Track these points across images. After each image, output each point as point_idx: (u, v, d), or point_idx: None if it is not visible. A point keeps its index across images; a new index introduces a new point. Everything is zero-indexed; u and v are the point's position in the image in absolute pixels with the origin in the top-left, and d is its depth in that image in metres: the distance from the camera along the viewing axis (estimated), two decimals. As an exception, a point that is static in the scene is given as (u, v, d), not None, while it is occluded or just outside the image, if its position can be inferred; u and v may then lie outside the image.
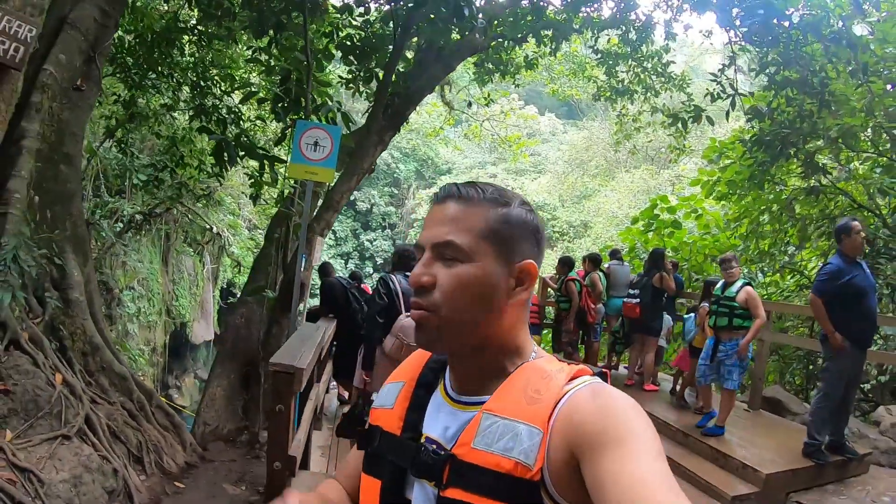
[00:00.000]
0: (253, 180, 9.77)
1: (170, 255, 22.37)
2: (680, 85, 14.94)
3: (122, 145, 10.64)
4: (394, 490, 1.28)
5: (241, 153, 7.54)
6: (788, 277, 14.10)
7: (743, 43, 10.49)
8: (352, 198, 37.30)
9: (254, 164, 9.47)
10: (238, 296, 30.11)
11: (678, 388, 9.06)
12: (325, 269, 8.18)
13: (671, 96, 15.98)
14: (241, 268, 22.25)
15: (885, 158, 12.52)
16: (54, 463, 4.91)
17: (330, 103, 8.03)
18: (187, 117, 11.01)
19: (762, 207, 13.93)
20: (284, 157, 8.15)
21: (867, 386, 10.64)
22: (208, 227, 18.83)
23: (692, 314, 8.83)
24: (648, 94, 15.08)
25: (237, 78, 10.53)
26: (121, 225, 16.47)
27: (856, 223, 6.68)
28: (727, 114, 10.55)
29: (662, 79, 14.80)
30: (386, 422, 1.35)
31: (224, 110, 9.84)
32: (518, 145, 22.92)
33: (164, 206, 17.58)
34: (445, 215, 1.25)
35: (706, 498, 6.19)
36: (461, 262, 1.22)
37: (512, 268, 1.26)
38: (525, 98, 31.16)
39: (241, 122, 9.80)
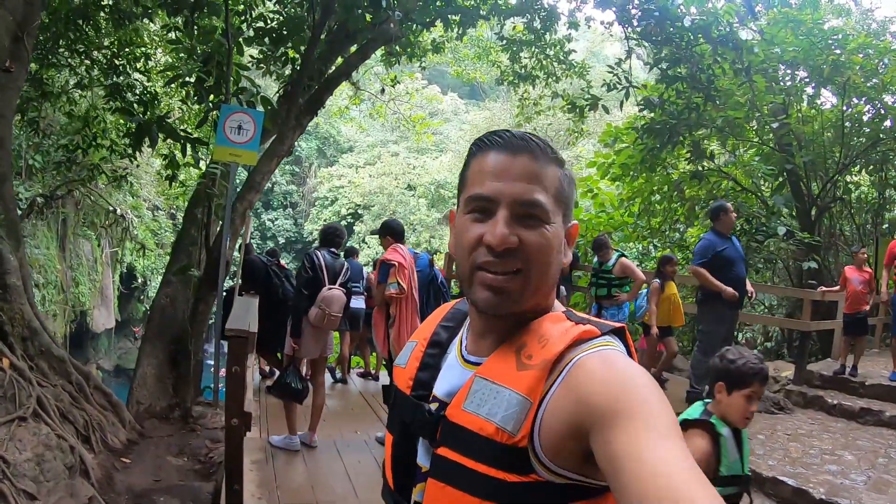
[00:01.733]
0: (167, 161, 9.76)
1: (67, 239, 21.54)
2: (580, 72, 15.49)
3: (33, 124, 10.25)
4: (403, 445, 1.31)
5: (163, 136, 7.52)
6: (677, 252, 14.72)
7: (639, 39, 11.08)
8: (244, 182, 36.74)
9: (169, 145, 9.51)
10: (153, 279, 29.75)
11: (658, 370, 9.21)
12: (245, 248, 8.33)
13: (571, 82, 16.67)
14: (145, 251, 21.56)
15: (767, 147, 13.77)
16: (15, 444, 4.99)
17: (250, 87, 8.14)
18: (101, 96, 10.79)
19: (653, 189, 14.88)
20: (205, 140, 8.21)
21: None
22: (111, 209, 18.29)
23: (642, 291, 9.13)
24: (550, 79, 15.50)
25: (153, 58, 10.40)
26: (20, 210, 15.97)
27: (728, 205, 7.74)
28: (621, 103, 11.47)
29: (563, 66, 15.22)
30: (400, 380, 1.36)
31: (139, 90, 9.75)
32: (421, 125, 23.16)
33: (66, 189, 17.07)
34: (525, 171, 1.19)
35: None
36: (543, 222, 1.19)
37: (566, 230, 1.26)
38: (428, 78, 31.39)
39: (157, 104, 9.72)
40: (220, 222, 7.53)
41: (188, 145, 7.49)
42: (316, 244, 7.60)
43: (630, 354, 1.16)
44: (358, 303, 9.44)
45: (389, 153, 36.14)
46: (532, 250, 1.17)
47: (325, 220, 32.85)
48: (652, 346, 8.84)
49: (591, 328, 1.15)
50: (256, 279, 7.98)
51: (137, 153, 10.37)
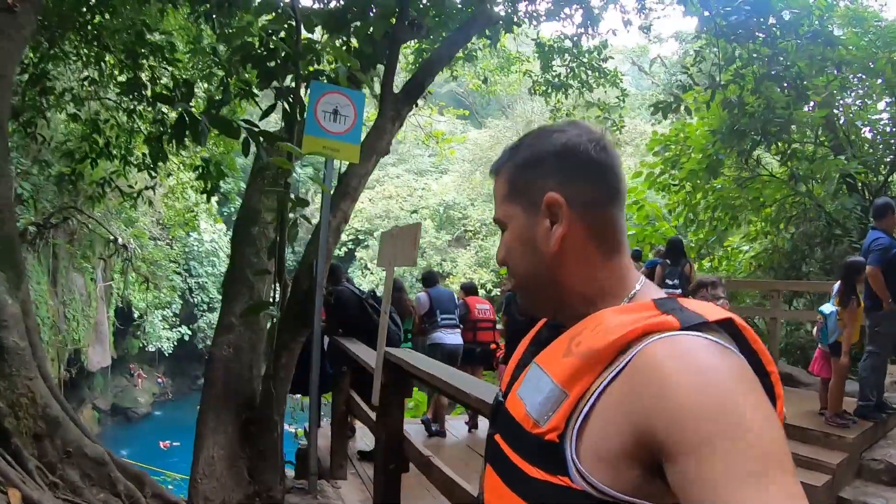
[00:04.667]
0: (201, 171, 7.53)
1: (58, 273, 19.22)
2: (613, 80, 14.11)
3: (29, 129, 7.83)
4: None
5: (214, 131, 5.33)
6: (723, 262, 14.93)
7: (706, 36, 10.36)
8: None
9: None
10: (151, 314, 27.27)
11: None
12: (334, 274, 6.14)
13: (606, 91, 15.11)
14: (149, 284, 19.10)
15: (825, 147, 12.69)
16: None
17: (336, 66, 6.02)
18: (116, 93, 8.48)
19: (698, 198, 13.83)
20: (279, 135, 5.98)
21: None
22: (112, 238, 15.82)
23: (829, 311, 6.87)
24: (583, 88, 14.09)
25: (178, 49, 8.07)
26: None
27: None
28: (707, 104, 10.29)
29: (597, 73, 13.87)
30: (503, 378, 1.22)
31: (167, 81, 7.48)
32: (445, 141, 21.17)
33: (61, 216, 14.69)
34: (494, 195, 1.18)
35: (812, 473, 5.80)
36: (504, 231, 1.14)
37: (540, 210, 1.07)
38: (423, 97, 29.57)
39: (194, 96, 7.47)
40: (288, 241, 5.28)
41: (253, 141, 5.25)
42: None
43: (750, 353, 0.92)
44: (454, 338, 7.36)
45: (389, 176, 33.90)
46: (506, 258, 1.15)
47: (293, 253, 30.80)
48: (841, 376, 6.67)
49: (670, 320, 0.89)
50: (349, 316, 5.79)
51: (163, 163, 8.12)
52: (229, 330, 5.46)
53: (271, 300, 5.17)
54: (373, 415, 5.23)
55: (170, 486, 14.45)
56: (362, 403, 5.35)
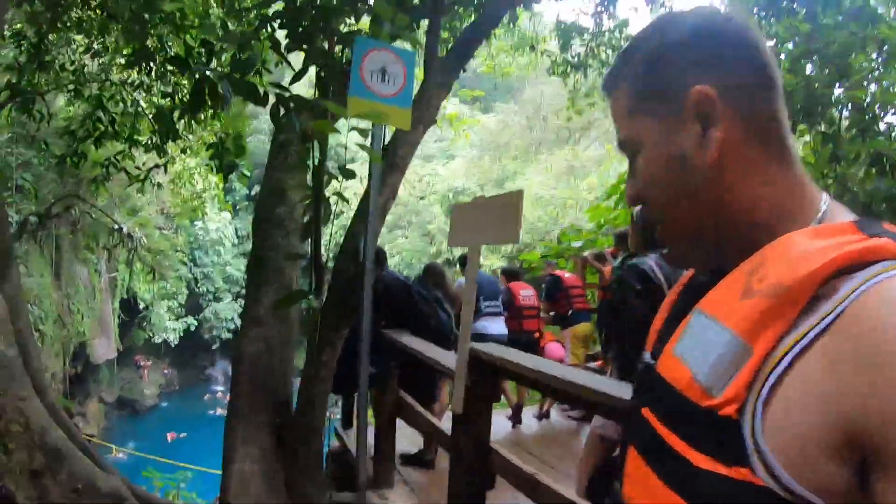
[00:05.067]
0: (217, 148, 6.79)
1: (62, 265, 18.50)
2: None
3: (27, 104, 6.97)
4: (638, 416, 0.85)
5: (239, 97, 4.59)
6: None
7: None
8: (253, 192, 33.32)
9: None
10: (158, 305, 26.64)
11: None
12: (378, 258, 5.41)
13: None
14: (155, 275, 18.34)
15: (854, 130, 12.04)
16: None
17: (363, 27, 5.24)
18: (121, 66, 7.68)
19: None
20: (310, 101, 5.21)
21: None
22: (116, 227, 15.04)
23: None
24: (603, 68, 13.43)
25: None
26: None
27: None
28: None
29: (617, 53, 13.17)
30: (648, 340, 0.99)
31: (179, 49, 6.66)
32: (461, 123, 20.34)
33: (63, 205, 13.93)
34: (613, 115, 0.93)
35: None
36: (636, 153, 0.88)
37: (684, 114, 0.81)
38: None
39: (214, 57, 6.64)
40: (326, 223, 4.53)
41: (283, 107, 4.51)
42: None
43: None
44: (498, 327, 6.71)
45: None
46: (643, 191, 0.89)
47: (329, 236, 30.05)
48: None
49: (888, 244, 0.67)
50: (395, 306, 5.03)
51: (172, 140, 7.34)
52: (258, 323, 4.70)
53: (308, 289, 4.41)
54: (429, 418, 4.53)
55: (182, 484, 13.84)
56: (416, 405, 4.63)
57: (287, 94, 4.45)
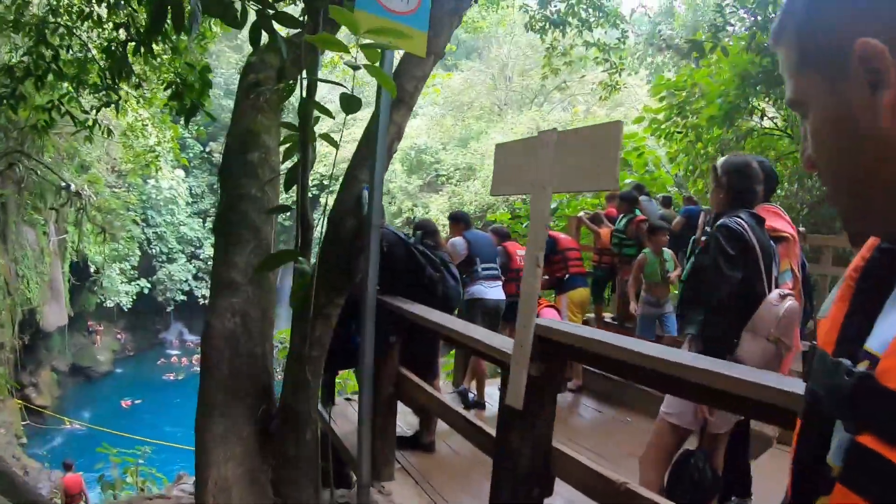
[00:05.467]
0: (174, 88, 5.79)
1: (9, 228, 17.14)
2: (613, 21, 13.18)
3: None
4: (812, 434, 0.74)
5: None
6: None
7: None
8: (207, 149, 32.15)
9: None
10: (109, 268, 25.42)
11: None
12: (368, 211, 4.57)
13: (605, 32, 14.19)
14: (106, 235, 17.06)
15: None
16: None
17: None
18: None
19: (700, 147, 12.73)
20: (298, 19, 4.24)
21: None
22: (63, 185, 13.73)
23: None
24: (583, 27, 12.95)
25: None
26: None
27: None
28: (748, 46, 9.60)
29: (597, 13, 12.79)
30: (820, 335, 0.80)
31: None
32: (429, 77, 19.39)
33: (6, 163, 12.62)
34: (783, 69, 0.80)
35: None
36: (807, 115, 0.77)
37: (851, 71, 0.68)
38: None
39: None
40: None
41: (264, 29, 3.57)
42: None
43: None
44: (496, 292, 6.00)
45: (355, 118, 31.71)
46: (814, 155, 0.78)
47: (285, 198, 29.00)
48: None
49: None
50: (397, 271, 4.15)
51: (123, 82, 6.30)
52: (232, 290, 3.81)
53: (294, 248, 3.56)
54: (436, 396, 3.73)
55: (140, 460, 12.92)
56: (420, 382, 3.82)
57: (271, 12, 3.52)
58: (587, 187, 2.30)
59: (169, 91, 5.94)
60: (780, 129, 11.97)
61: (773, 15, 8.47)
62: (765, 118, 12.32)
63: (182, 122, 7.11)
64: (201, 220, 32.94)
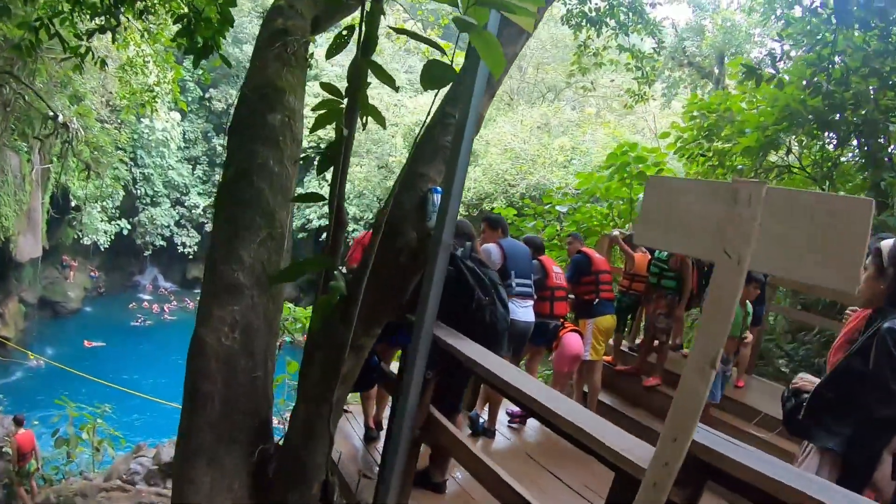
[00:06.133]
0: (186, 23, 4.73)
1: (-9, 151, 15.87)
2: (651, 30, 12.60)
3: None
4: None
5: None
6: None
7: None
8: (206, 94, 30.79)
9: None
10: (90, 205, 24.32)
11: None
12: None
13: (641, 38, 13.65)
14: (90, 173, 15.82)
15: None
16: None
17: None
18: None
19: (720, 173, 11.85)
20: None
21: None
22: (51, 115, 12.47)
23: None
24: (620, 30, 12.39)
25: None
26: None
27: None
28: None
29: (636, 17, 12.20)
30: None
31: None
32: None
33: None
34: None
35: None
36: None
37: None
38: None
39: None
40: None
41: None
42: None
43: None
44: (526, 312, 5.10)
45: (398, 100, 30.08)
46: None
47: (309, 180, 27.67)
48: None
49: None
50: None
51: (122, 11, 5.22)
52: (233, 294, 2.80)
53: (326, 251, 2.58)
54: (468, 446, 2.80)
55: (99, 420, 11.89)
56: (448, 425, 2.89)
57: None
58: (809, 277, 1.39)
59: (179, 25, 4.87)
60: (801, 167, 11.16)
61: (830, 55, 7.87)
62: (790, 154, 11.51)
63: (187, 63, 6.00)
64: (191, 167, 31.70)
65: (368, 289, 2.53)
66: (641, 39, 13.66)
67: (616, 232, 7.49)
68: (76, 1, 5.48)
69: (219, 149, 31.46)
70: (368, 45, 2.79)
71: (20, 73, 12.62)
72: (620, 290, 7.05)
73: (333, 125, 2.85)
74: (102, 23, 5.19)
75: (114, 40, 5.71)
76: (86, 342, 23.42)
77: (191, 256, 31.26)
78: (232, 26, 4.74)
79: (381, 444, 3.44)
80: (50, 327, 24.43)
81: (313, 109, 3.14)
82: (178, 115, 28.56)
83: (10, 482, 10.82)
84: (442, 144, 2.73)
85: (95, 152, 17.33)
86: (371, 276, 2.60)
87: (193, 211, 30.94)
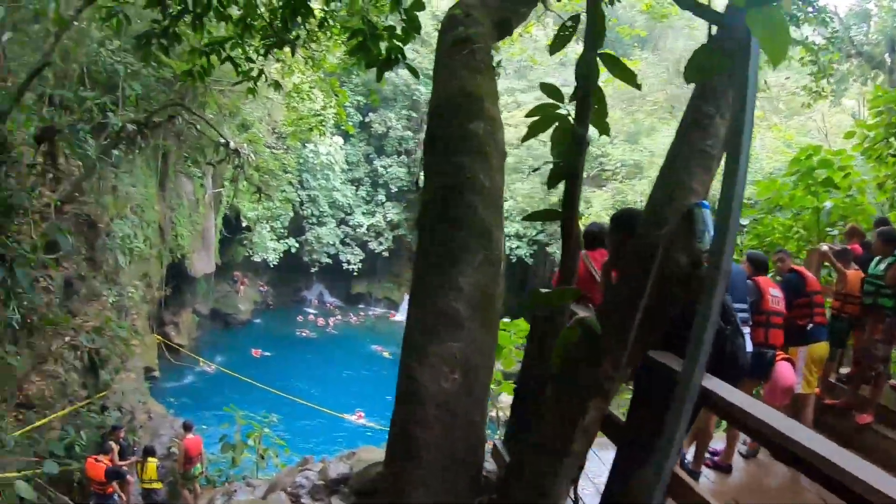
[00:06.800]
0: (359, 38, 4.49)
1: (167, 177, 17.07)
2: (822, 19, 11.65)
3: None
4: None
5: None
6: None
7: None
8: (366, 119, 31.86)
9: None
10: (261, 225, 25.67)
11: None
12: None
13: (814, 30, 12.83)
14: (261, 195, 16.59)
15: None
16: None
17: None
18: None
19: None
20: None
21: None
22: (223, 142, 13.11)
23: None
24: (791, 22, 11.04)
25: None
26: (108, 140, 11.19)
27: None
28: None
29: (808, 6, 11.20)
30: None
31: None
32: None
33: (166, 114, 12.06)
34: None
35: None
36: None
37: None
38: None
39: None
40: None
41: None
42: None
43: None
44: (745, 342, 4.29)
45: (512, 101, 29.26)
46: None
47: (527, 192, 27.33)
48: None
49: None
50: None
51: (301, 23, 5.09)
52: (453, 328, 2.38)
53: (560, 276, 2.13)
54: None
55: (265, 429, 12.23)
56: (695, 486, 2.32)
57: None
58: None
59: (352, 41, 4.65)
60: None
61: None
62: None
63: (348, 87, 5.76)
64: (354, 188, 32.73)
65: (624, 320, 2.05)
66: (814, 30, 12.70)
67: (825, 247, 6.46)
68: (246, 25, 5.44)
69: (380, 170, 32.38)
70: (595, 36, 2.35)
71: (191, 104, 13.41)
72: (832, 313, 6.08)
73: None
74: (273, 40, 5.08)
75: (293, 53, 5.59)
76: (254, 351, 24.54)
77: (355, 273, 32.22)
78: (419, 33, 4.45)
79: None
80: (221, 337, 25.93)
81: (528, 115, 2.73)
82: (340, 140, 29.69)
83: (174, 480, 11.41)
84: (701, 149, 2.20)
85: (265, 176, 18.23)
86: (626, 307, 2.12)
87: (357, 230, 31.90)
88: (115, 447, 10.39)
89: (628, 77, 2.29)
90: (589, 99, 2.32)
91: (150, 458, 10.68)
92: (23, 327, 8.87)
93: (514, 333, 7.86)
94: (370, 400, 19.35)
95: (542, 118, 2.52)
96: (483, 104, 3.29)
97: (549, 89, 2.47)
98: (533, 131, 2.57)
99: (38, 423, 8.91)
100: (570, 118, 2.39)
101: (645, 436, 2.29)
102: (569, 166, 2.27)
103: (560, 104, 2.42)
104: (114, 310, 13.16)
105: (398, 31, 4.25)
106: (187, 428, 11.24)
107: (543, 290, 2.10)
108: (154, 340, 18.89)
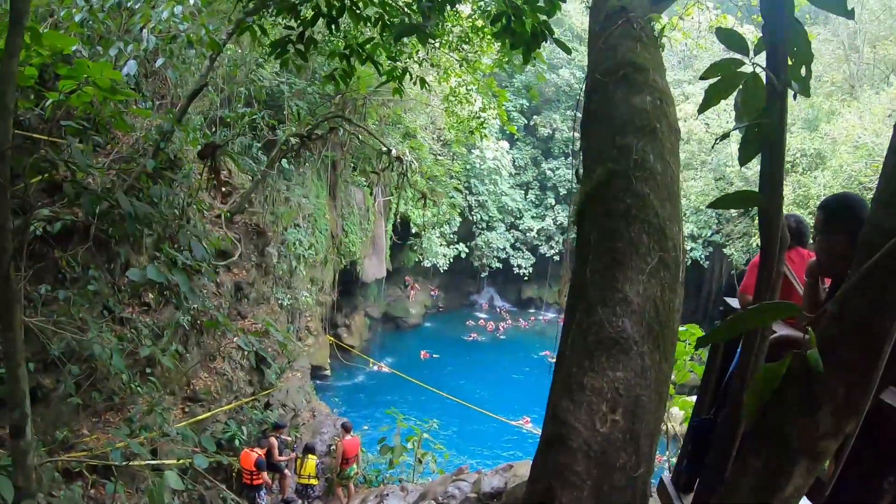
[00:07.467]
0: (503, 21, 4.00)
1: (337, 187, 17.73)
2: None
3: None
4: None
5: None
6: None
7: None
8: (531, 122, 31.50)
9: None
10: (428, 232, 26.32)
11: None
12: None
13: None
14: (426, 201, 16.69)
15: None
16: None
17: None
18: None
19: None
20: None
21: None
22: (385, 149, 13.26)
23: None
24: None
25: None
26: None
27: None
28: None
29: None
30: None
31: None
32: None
33: (327, 127, 12.41)
34: None
35: None
36: None
37: None
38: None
39: None
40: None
41: None
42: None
43: None
44: None
45: (681, 94, 27.27)
46: None
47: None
48: None
49: None
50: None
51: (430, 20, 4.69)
52: (616, 354, 1.76)
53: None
54: None
55: (426, 434, 12.10)
56: None
57: None
58: None
59: (497, 24, 4.17)
60: None
61: None
62: None
63: (511, 89, 5.28)
64: (523, 192, 32.46)
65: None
66: None
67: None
68: (384, 25, 5.15)
69: (548, 173, 31.83)
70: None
71: (350, 115, 13.75)
72: None
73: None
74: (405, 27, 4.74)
75: (423, 43, 5.23)
76: (422, 353, 24.98)
77: (526, 278, 31.94)
78: (564, 2, 3.89)
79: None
80: (391, 339, 26.60)
81: (702, 77, 2.08)
82: (506, 144, 29.61)
83: (330, 477, 11.60)
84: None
85: (430, 182, 18.39)
86: (862, 331, 1.43)
87: (528, 234, 31.61)
88: (275, 443, 10.80)
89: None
90: (783, 45, 1.66)
91: (309, 455, 10.94)
92: (192, 328, 9.35)
93: (687, 343, 7.00)
94: (538, 406, 18.83)
95: (722, 79, 1.87)
96: (649, 75, 2.67)
97: (729, 36, 1.83)
98: (713, 96, 1.93)
99: (201, 417, 9.36)
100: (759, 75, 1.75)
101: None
102: (768, 131, 1.62)
103: (745, 59, 1.78)
104: (285, 312, 13.78)
105: (540, 3, 3.71)
106: (346, 429, 11.41)
107: (746, 310, 1.47)
108: (326, 341, 19.78)
